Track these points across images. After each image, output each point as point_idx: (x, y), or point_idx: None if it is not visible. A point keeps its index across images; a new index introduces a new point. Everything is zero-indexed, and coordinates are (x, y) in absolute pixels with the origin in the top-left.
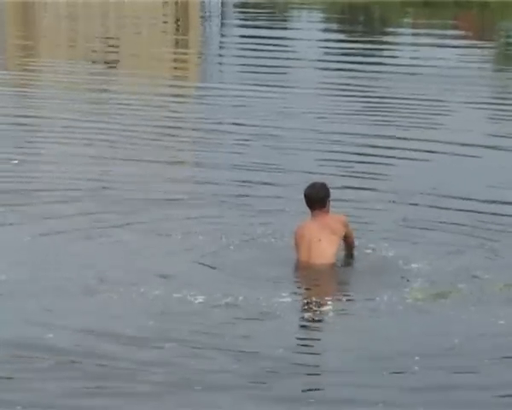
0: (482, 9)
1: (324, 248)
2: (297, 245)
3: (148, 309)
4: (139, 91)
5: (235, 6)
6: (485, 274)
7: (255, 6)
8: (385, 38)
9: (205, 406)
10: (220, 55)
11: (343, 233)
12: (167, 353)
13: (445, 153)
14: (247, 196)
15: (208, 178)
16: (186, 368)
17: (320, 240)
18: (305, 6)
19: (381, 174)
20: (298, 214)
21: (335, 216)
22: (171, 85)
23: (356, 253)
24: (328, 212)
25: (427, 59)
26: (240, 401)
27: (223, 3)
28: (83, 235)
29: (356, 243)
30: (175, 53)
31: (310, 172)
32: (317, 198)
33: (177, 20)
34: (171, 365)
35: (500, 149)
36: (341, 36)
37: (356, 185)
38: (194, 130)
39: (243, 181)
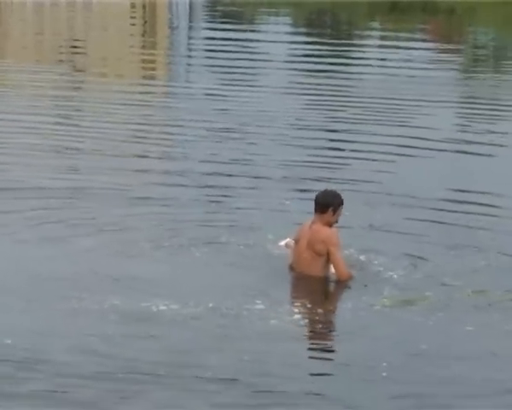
0: (449, 15)
1: (305, 257)
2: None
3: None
4: (105, 91)
5: (204, 7)
6: (453, 281)
7: (223, 7)
8: (352, 41)
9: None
10: (188, 57)
11: (323, 249)
12: (129, 359)
13: (411, 155)
14: (215, 194)
15: (175, 177)
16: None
17: (304, 247)
18: (272, 9)
19: (347, 178)
20: (267, 212)
21: (325, 230)
22: (138, 85)
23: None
24: (327, 222)
25: (394, 61)
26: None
27: (191, 5)
28: (45, 235)
29: (341, 270)
30: (142, 54)
31: (273, 173)
32: (318, 201)
33: (145, 21)
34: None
35: (467, 152)
36: (309, 38)
37: (319, 188)
38: (162, 130)
39: (211, 178)
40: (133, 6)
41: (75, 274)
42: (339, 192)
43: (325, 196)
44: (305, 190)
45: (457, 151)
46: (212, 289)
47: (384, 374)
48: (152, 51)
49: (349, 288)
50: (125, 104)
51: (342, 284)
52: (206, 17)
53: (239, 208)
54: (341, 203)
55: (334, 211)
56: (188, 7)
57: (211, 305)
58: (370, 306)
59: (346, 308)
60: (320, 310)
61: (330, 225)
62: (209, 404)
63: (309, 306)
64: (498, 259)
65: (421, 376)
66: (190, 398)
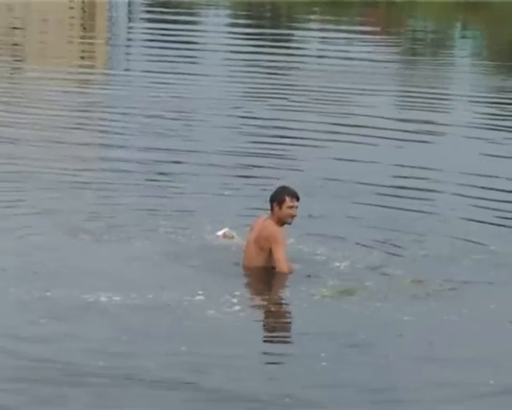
0: (389, 7)
1: (250, 250)
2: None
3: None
4: (44, 79)
5: (143, 5)
6: (393, 270)
7: (163, 5)
8: (292, 31)
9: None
10: (127, 46)
11: (266, 245)
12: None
13: (352, 143)
14: (155, 182)
15: (114, 164)
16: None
17: (252, 240)
18: (212, 4)
19: (287, 167)
20: (206, 202)
21: (270, 228)
22: (77, 73)
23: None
24: (277, 217)
25: (333, 51)
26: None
27: (130, 3)
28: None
29: (281, 266)
30: (82, 43)
31: (212, 162)
32: (270, 198)
33: (84, 11)
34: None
35: (407, 140)
36: (248, 29)
37: (261, 177)
38: (101, 117)
39: (150, 166)
40: (72, 2)
41: (11, 264)
42: (286, 186)
43: (272, 193)
44: (244, 179)
45: (398, 139)
46: (153, 281)
47: (324, 364)
48: (91, 40)
49: (290, 279)
50: (64, 92)
51: (284, 276)
52: (145, 8)
53: (178, 197)
54: (285, 197)
55: (279, 206)
56: (127, 4)
57: (150, 296)
58: (310, 296)
59: (286, 299)
60: (260, 301)
61: (281, 220)
62: (143, 402)
63: (249, 297)
64: (437, 248)
65: (359, 366)
66: (123, 398)
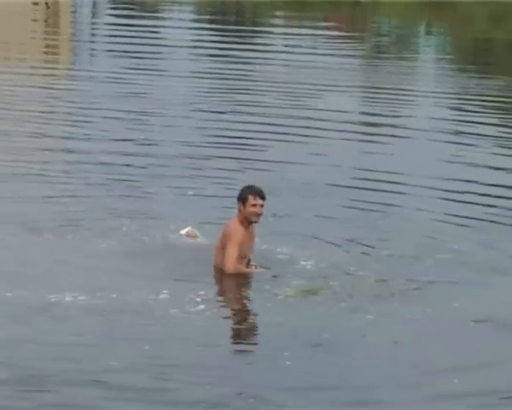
0: (353, 7)
1: (217, 247)
2: None
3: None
4: (7, 74)
5: (108, 2)
6: (357, 270)
7: (127, 2)
8: (256, 28)
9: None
10: (91, 42)
11: (225, 242)
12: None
13: (314, 140)
14: (118, 177)
15: (76, 161)
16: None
17: (218, 241)
18: (176, 1)
19: (249, 166)
20: (169, 201)
21: (230, 225)
22: (41, 68)
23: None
24: (242, 216)
25: (298, 47)
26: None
27: (94, 2)
28: None
29: (227, 264)
30: (45, 39)
31: (175, 159)
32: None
33: (48, 7)
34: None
35: (370, 138)
36: (213, 25)
37: (224, 177)
38: (64, 111)
39: (113, 163)
40: (35, 4)
41: None
42: (252, 185)
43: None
44: (208, 178)
45: (362, 137)
46: (116, 281)
47: (288, 363)
48: (55, 37)
49: (255, 279)
50: (27, 86)
51: (229, 275)
52: (109, 5)
53: (141, 196)
54: (248, 196)
55: (244, 204)
56: (91, 3)
57: (114, 296)
58: (274, 296)
59: (250, 299)
60: (224, 301)
61: (246, 219)
62: (105, 404)
63: (213, 297)
64: (401, 247)
65: (323, 365)
66: (85, 400)
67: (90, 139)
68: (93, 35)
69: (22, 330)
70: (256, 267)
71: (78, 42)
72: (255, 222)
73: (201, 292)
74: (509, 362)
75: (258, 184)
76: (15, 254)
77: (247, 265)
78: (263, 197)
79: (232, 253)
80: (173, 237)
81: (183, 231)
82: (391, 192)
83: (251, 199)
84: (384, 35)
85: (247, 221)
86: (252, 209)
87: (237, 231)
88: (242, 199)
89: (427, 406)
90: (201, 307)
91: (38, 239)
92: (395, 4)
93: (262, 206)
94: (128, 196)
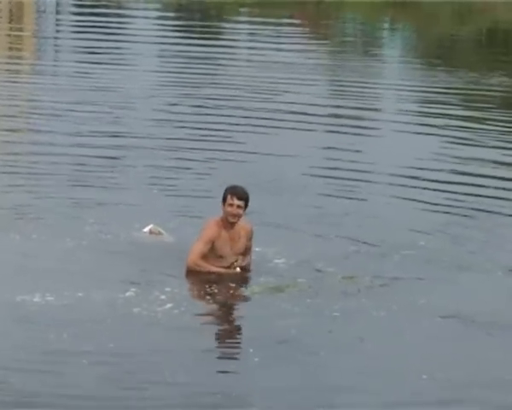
0: (317, 5)
1: None
2: None
3: None
4: None
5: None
6: (324, 267)
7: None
8: (221, 24)
9: None
10: (55, 38)
11: None
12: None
13: (280, 133)
14: (81, 174)
15: (41, 156)
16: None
17: None
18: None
19: (216, 164)
20: (134, 198)
21: (205, 221)
22: (5, 63)
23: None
24: (224, 213)
25: (262, 43)
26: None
27: (58, 3)
28: None
29: (188, 257)
30: (9, 36)
31: (140, 155)
32: None
33: (11, 11)
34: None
35: (335, 132)
36: (178, 21)
37: (190, 174)
38: (29, 105)
39: (77, 159)
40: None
41: None
42: (234, 185)
43: None
44: (174, 176)
45: (327, 130)
46: (82, 279)
47: (256, 359)
48: (18, 33)
49: (222, 276)
50: None
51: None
52: (74, 2)
53: (105, 193)
54: (227, 195)
55: (223, 203)
56: (55, 3)
57: (80, 294)
58: (240, 293)
59: (216, 296)
60: (190, 299)
61: (225, 218)
62: (68, 402)
63: (179, 294)
64: (368, 244)
65: (289, 362)
66: (50, 398)
67: (54, 133)
68: (57, 31)
69: None
70: (234, 268)
71: (41, 38)
72: (232, 222)
73: (167, 289)
74: (476, 357)
75: (225, 181)
76: None
77: (231, 266)
78: (240, 198)
79: (195, 248)
80: (137, 235)
81: (146, 229)
82: (356, 188)
83: (228, 198)
84: (348, 32)
85: (227, 220)
86: (228, 209)
87: (208, 228)
88: (223, 198)
89: (395, 401)
90: (168, 305)
91: (5, 238)
92: (359, 4)
93: (239, 206)
94: (92, 193)
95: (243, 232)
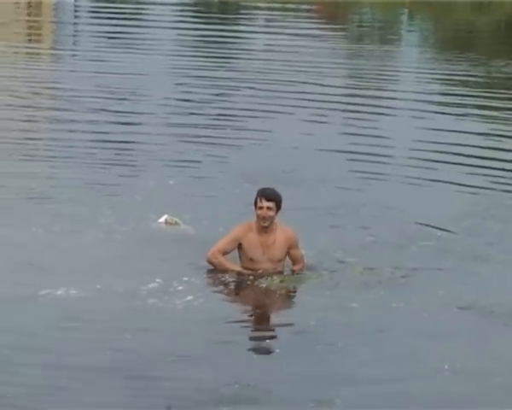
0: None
1: None
2: None
3: None
4: None
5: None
6: (343, 257)
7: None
8: (240, 16)
9: None
10: (74, 24)
11: None
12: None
13: (297, 122)
14: (97, 170)
15: (64, 139)
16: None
17: None
18: None
19: (230, 154)
20: (149, 190)
21: None
22: (24, 48)
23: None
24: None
25: (281, 34)
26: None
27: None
28: None
29: (208, 252)
30: (28, 21)
31: (154, 148)
32: None
33: (30, 7)
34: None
35: (352, 121)
36: (197, 13)
37: (204, 165)
38: (50, 89)
39: (91, 150)
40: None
41: None
42: (264, 187)
43: None
44: (188, 167)
45: (344, 120)
46: (101, 271)
47: (277, 351)
48: (37, 18)
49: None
50: (11, 65)
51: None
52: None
53: (121, 185)
54: (256, 198)
55: (255, 206)
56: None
57: (99, 287)
58: (260, 285)
59: (237, 288)
60: (209, 292)
61: (258, 219)
62: (87, 391)
63: (200, 285)
64: (385, 234)
65: (308, 353)
66: (67, 387)
67: (73, 119)
68: (76, 16)
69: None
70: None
71: (60, 23)
72: (264, 226)
73: (186, 280)
74: (495, 348)
75: (236, 173)
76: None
77: (264, 273)
78: (268, 199)
79: (218, 243)
80: (154, 226)
81: (162, 219)
82: (373, 178)
83: (258, 201)
84: (367, 22)
85: (260, 225)
86: (258, 211)
87: (236, 228)
88: (254, 201)
89: (416, 393)
90: (188, 297)
91: (25, 232)
92: (376, 3)
93: (269, 208)
94: (108, 184)
95: (282, 239)
